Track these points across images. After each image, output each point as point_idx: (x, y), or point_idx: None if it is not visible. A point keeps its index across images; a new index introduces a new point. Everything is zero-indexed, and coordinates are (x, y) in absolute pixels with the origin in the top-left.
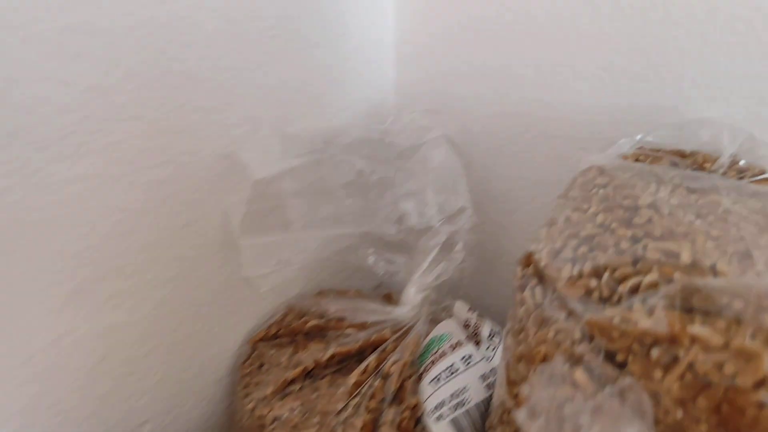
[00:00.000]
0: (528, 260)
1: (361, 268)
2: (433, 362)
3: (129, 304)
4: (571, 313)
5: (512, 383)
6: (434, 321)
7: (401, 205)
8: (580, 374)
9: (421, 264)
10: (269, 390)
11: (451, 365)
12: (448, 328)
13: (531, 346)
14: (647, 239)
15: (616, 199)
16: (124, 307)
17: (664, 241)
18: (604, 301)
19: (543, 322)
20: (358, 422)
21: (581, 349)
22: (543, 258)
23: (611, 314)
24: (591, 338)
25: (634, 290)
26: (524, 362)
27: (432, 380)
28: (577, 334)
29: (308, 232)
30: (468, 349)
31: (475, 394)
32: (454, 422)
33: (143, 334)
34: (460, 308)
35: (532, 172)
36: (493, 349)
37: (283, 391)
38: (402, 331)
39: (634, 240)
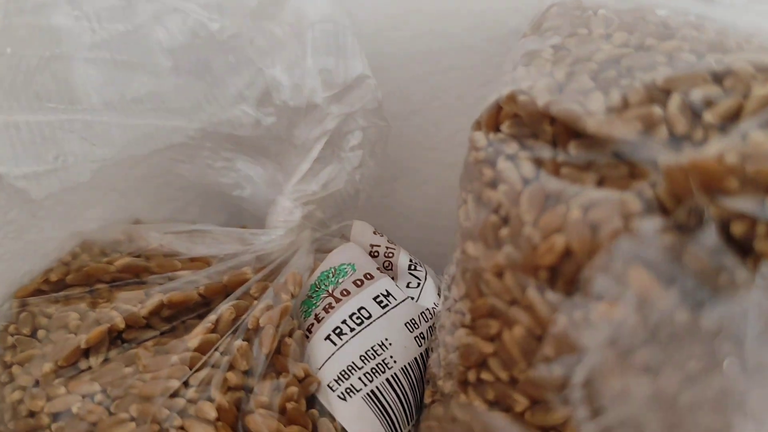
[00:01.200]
0: (495, 118)
1: (198, 187)
2: (328, 309)
3: None
4: (613, 167)
5: (490, 314)
6: (321, 251)
7: (266, 74)
8: (645, 276)
9: (300, 165)
10: (47, 368)
11: (359, 309)
12: (350, 255)
13: (531, 242)
14: (715, 53)
15: (630, 16)
16: None
17: (750, 53)
18: (681, 139)
19: (550, 201)
20: (209, 409)
21: (647, 228)
22: (540, 95)
23: (718, 149)
24: (665, 206)
25: (733, 116)
26: (515, 274)
27: (329, 335)
28: (636, 203)
29: (109, 117)
30: (383, 283)
31: (401, 353)
32: (372, 398)
33: None
34: (362, 230)
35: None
36: (418, 285)
37: (74, 366)
38: (272, 267)
39: (696, 54)
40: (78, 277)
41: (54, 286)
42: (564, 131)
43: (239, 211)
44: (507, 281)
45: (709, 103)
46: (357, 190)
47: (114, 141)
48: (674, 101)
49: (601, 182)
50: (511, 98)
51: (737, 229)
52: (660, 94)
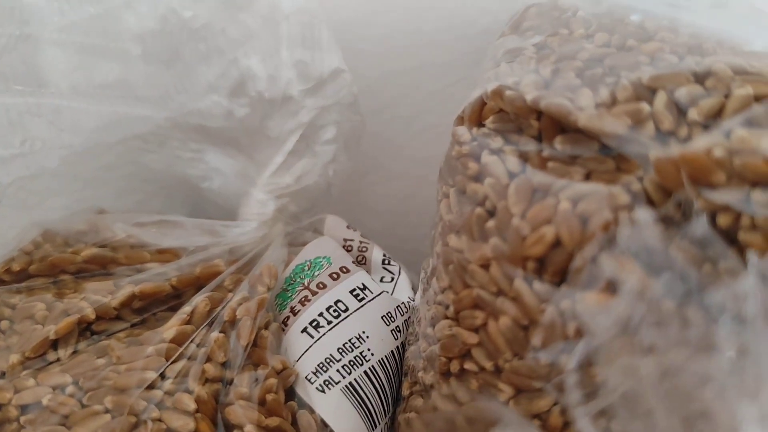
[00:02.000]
0: (479, 113)
1: (162, 180)
2: (304, 301)
3: None
4: (599, 162)
5: (475, 305)
6: (294, 245)
7: (241, 64)
8: (634, 266)
9: (273, 157)
10: (14, 359)
11: (336, 302)
12: (325, 248)
13: (520, 234)
14: (694, 55)
15: (607, 18)
16: None
17: (725, 56)
18: (667, 135)
19: (538, 193)
20: (188, 400)
21: (636, 220)
22: (527, 90)
23: (705, 144)
24: (652, 199)
25: (716, 114)
26: (502, 265)
27: (306, 328)
28: (624, 196)
29: (77, 102)
30: (360, 276)
31: (379, 346)
32: (350, 390)
33: None
34: (335, 224)
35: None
36: (392, 279)
37: (42, 358)
38: (245, 260)
39: (677, 55)
40: (42, 267)
41: (16, 276)
42: (550, 126)
43: (203, 204)
44: (493, 272)
45: (693, 102)
46: (329, 184)
47: (82, 127)
48: (660, 99)
49: (588, 176)
50: (497, 93)
51: (723, 221)
52: (646, 91)
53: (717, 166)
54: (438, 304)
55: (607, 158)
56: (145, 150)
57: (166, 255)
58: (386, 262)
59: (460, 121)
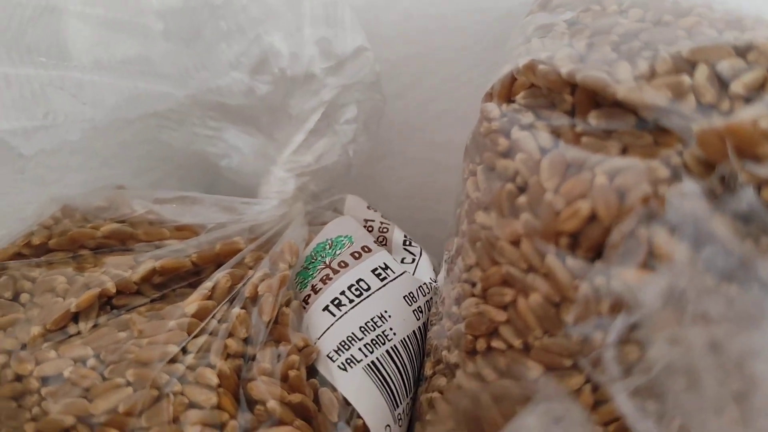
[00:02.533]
0: (509, 88)
1: (178, 158)
2: (325, 280)
3: None
4: (636, 137)
5: (504, 282)
6: (313, 224)
7: (263, 41)
8: (674, 241)
9: (294, 136)
10: (35, 331)
11: (358, 281)
12: (347, 228)
13: (553, 209)
14: (732, 30)
15: None
16: None
17: (765, 31)
18: (709, 107)
19: (572, 168)
20: (210, 375)
21: (676, 194)
22: (562, 64)
23: (751, 115)
24: (693, 172)
25: (759, 87)
26: (534, 241)
27: (328, 306)
28: (664, 170)
29: (99, 76)
30: (381, 256)
31: (401, 325)
32: (373, 369)
33: None
34: (356, 205)
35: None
36: (413, 260)
37: (62, 331)
38: (265, 238)
39: (715, 29)
40: (61, 242)
41: (35, 250)
42: (585, 100)
43: (219, 183)
44: (524, 249)
45: (735, 75)
46: (349, 164)
47: (104, 102)
48: (701, 71)
49: (624, 150)
50: (530, 68)
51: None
52: (686, 64)
53: (764, 138)
54: (464, 282)
55: (644, 132)
56: (164, 127)
57: (185, 232)
58: (407, 243)
59: (489, 97)
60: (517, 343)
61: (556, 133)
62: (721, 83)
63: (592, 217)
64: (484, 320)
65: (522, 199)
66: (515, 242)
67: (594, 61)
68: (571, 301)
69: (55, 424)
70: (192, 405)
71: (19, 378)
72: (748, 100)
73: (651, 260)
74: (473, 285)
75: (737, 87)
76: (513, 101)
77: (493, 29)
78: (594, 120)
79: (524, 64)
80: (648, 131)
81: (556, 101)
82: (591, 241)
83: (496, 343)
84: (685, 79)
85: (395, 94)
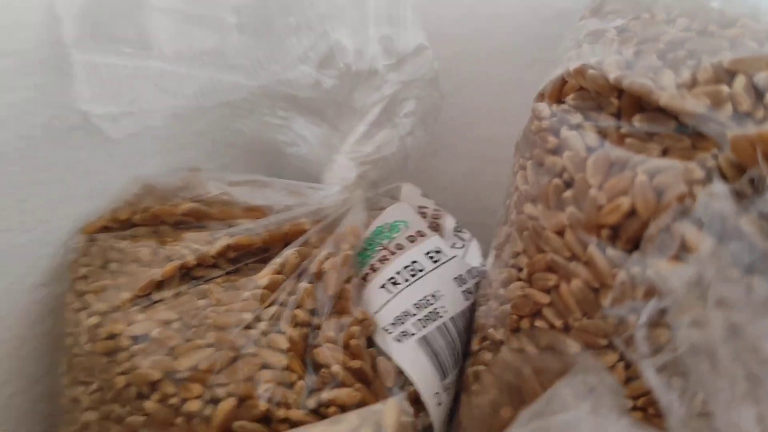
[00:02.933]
0: (559, 90)
1: (250, 144)
2: (383, 260)
3: None
4: (676, 140)
5: (548, 268)
6: (372, 209)
7: (330, 37)
8: (704, 236)
9: (357, 127)
10: (124, 296)
11: (413, 263)
12: (403, 213)
13: (596, 204)
14: None
15: (688, 4)
16: None
17: None
18: (744, 116)
19: (615, 167)
20: (281, 340)
21: (709, 194)
22: (610, 70)
23: None
24: (726, 174)
25: None
26: (577, 232)
27: (385, 284)
28: (699, 172)
29: (179, 67)
30: (435, 241)
31: (451, 304)
32: (425, 342)
33: None
34: (411, 192)
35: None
36: (463, 246)
37: (147, 297)
38: (329, 221)
39: (757, 41)
40: (144, 218)
41: (121, 224)
42: (630, 104)
43: (284, 169)
44: (568, 239)
45: None
46: (407, 155)
47: (183, 91)
48: (739, 82)
49: (665, 152)
50: (580, 72)
51: None
52: (726, 74)
53: None
54: (511, 267)
55: (683, 136)
56: (236, 116)
57: (255, 212)
58: (458, 229)
59: (541, 98)
60: (558, 323)
61: (602, 133)
62: (758, 93)
63: (632, 212)
64: (529, 302)
65: (568, 194)
66: (560, 232)
67: (640, 68)
68: (609, 287)
69: (144, 377)
70: (265, 366)
71: (111, 336)
72: None
73: (682, 252)
74: (519, 270)
75: None
76: (563, 102)
77: (548, 30)
78: (638, 123)
79: (575, 68)
80: (687, 135)
81: (603, 104)
82: (629, 234)
83: (539, 323)
84: (724, 88)
85: (452, 90)
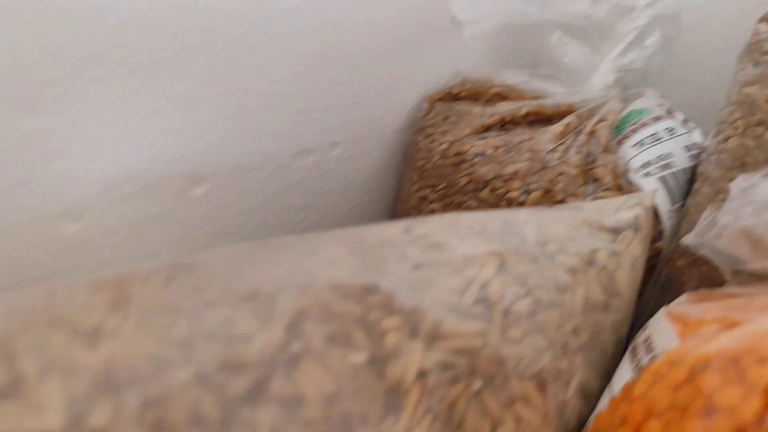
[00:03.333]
0: None
1: (539, 56)
2: (633, 130)
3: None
4: None
5: (759, 124)
6: (626, 102)
7: None
8: None
9: (616, 46)
10: (465, 132)
11: (655, 133)
12: (648, 103)
13: None
14: None
15: None
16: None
17: None
18: None
19: None
20: (573, 160)
21: None
22: None
23: None
24: None
25: None
26: None
27: (635, 144)
28: None
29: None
30: (670, 122)
31: (681, 161)
32: (662, 180)
33: (352, 44)
34: (653, 93)
35: None
36: (689, 130)
37: (481, 134)
38: (594, 105)
39: None
40: (468, 94)
41: (453, 97)
42: None
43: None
44: None
45: None
46: (648, 69)
47: (503, 11)
48: None
49: None
50: None
51: None
52: None
53: None
54: (730, 129)
55: None
56: (527, 36)
57: (540, 97)
58: (686, 120)
59: (762, 19)
60: (762, 157)
61: None
62: None
63: None
64: (743, 147)
65: None
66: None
67: None
68: None
69: (482, 176)
70: (561, 173)
71: (458, 154)
72: None
73: None
74: (736, 129)
75: None
76: None
77: None
78: None
79: None
80: None
81: None
82: None
83: (748, 160)
84: None
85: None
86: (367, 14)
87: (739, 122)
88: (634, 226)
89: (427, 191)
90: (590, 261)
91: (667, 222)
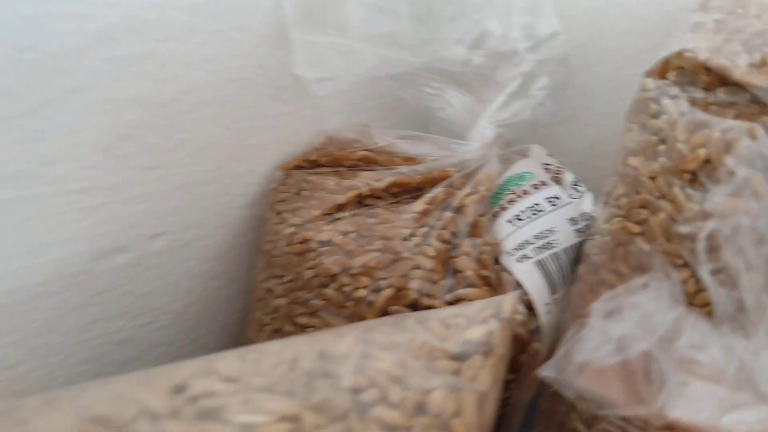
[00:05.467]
0: (664, 68)
1: (415, 110)
2: (511, 201)
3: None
4: (748, 107)
5: (641, 206)
6: (506, 164)
7: (481, 24)
8: (760, 179)
9: (497, 97)
10: (314, 213)
11: (535, 204)
12: (530, 166)
13: (681, 154)
14: None
15: None
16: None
17: None
18: None
19: (699, 127)
20: (430, 250)
21: (763, 146)
22: (701, 53)
23: None
24: None
25: None
26: (666, 177)
27: (511, 219)
28: (759, 129)
29: (364, 45)
30: (554, 189)
31: (564, 238)
32: (541, 265)
33: (171, 121)
34: (538, 152)
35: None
36: (579, 197)
37: (332, 216)
38: (469, 170)
39: None
40: (328, 160)
41: (310, 164)
42: (715, 80)
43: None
44: (658, 182)
45: None
46: (536, 121)
47: (364, 63)
48: None
49: (737, 117)
50: (680, 55)
51: None
52: None
53: None
54: (614, 206)
55: (754, 105)
56: (400, 86)
57: (412, 161)
58: (576, 183)
59: (649, 74)
60: (646, 248)
61: (693, 102)
62: None
63: (707, 161)
64: (625, 233)
65: (661, 147)
66: (653, 178)
67: (725, 52)
68: (686, 217)
69: (327, 271)
70: (416, 267)
71: (304, 241)
72: None
73: (739, 190)
74: (620, 208)
75: None
76: (665, 78)
77: (669, 18)
78: (721, 94)
79: (677, 51)
80: (757, 104)
81: (696, 80)
82: (704, 178)
83: (631, 248)
84: None
85: (578, 69)
86: (188, 74)
87: (623, 200)
88: (485, 349)
89: (273, 282)
90: (419, 408)
91: (545, 317)
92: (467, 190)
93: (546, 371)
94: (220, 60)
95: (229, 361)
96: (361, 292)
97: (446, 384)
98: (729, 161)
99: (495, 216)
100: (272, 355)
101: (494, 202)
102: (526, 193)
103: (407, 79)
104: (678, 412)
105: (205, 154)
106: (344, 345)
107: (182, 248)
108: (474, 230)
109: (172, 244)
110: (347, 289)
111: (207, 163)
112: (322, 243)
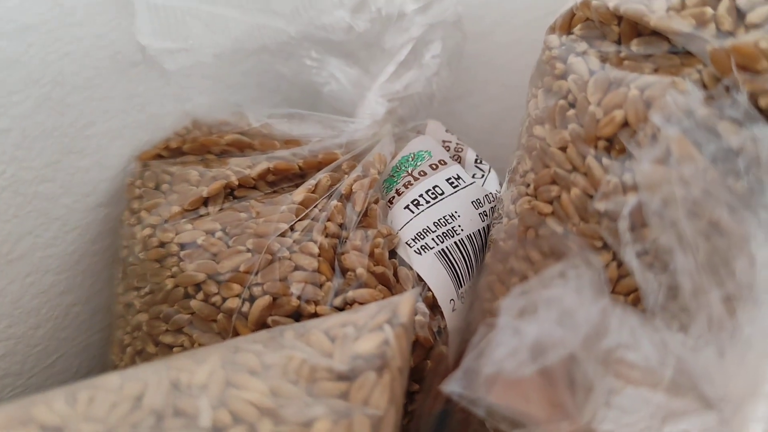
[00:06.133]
0: (569, 22)
1: (294, 85)
2: (407, 185)
3: None
4: (667, 59)
5: (551, 181)
6: (400, 142)
7: None
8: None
9: (386, 67)
10: (173, 210)
11: (434, 187)
12: (426, 144)
13: (594, 118)
14: None
15: None
16: None
17: None
18: (726, 34)
19: (612, 85)
20: (313, 247)
21: (691, 102)
22: (610, 1)
23: (754, 38)
24: (707, 85)
25: None
26: (578, 146)
27: (408, 205)
28: (683, 83)
29: (226, 11)
30: (455, 168)
31: (468, 224)
32: (443, 255)
33: None
34: (436, 128)
35: None
36: (483, 176)
37: (195, 212)
38: (359, 150)
39: None
40: (193, 147)
41: (172, 152)
42: (628, 30)
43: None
44: (569, 153)
45: (751, 8)
46: (432, 94)
47: (230, 33)
48: (724, 4)
49: (656, 70)
50: (585, 4)
51: (764, 102)
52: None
53: (762, 55)
54: (520, 185)
55: (674, 56)
56: (276, 59)
57: (292, 144)
58: (478, 161)
59: (552, 30)
60: (559, 229)
61: (604, 58)
62: (739, 14)
63: (625, 123)
64: (534, 213)
65: (571, 112)
66: (563, 148)
67: None
68: (604, 192)
69: (190, 279)
70: (297, 268)
71: (162, 244)
72: (760, 27)
73: (666, 155)
74: (527, 186)
75: (752, 17)
76: (571, 33)
77: None
78: (635, 47)
79: (581, 1)
80: (677, 55)
81: (606, 32)
82: (622, 144)
83: (542, 232)
84: (708, 9)
85: (476, 37)
86: (4, 46)
87: (530, 176)
88: (378, 364)
89: (132, 295)
90: None
91: (450, 315)
92: (356, 173)
93: (451, 386)
94: (47, 28)
95: (53, 404)
96: (232, 303)
97: (332, 411)
98: (653, 121)
99: (389, 202)
100: (109, 392)
101: (388, 186)
102: (423, 174)
103: (284, 51)
104: (608, 425)
105: (34, 146)
106: (203, 372)
107: (16, 262)
108: (365, 220)
109: (2, 258)
110: (215, 299)
111: (38, 158)
112: (183, 245)
